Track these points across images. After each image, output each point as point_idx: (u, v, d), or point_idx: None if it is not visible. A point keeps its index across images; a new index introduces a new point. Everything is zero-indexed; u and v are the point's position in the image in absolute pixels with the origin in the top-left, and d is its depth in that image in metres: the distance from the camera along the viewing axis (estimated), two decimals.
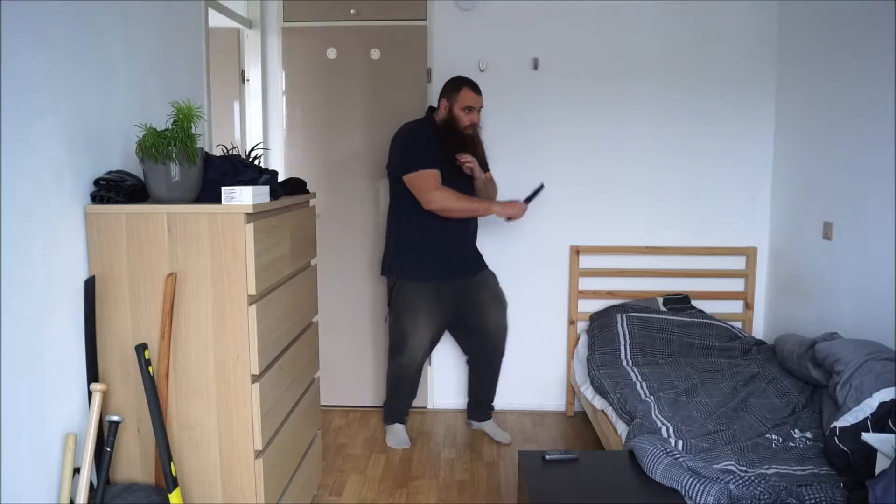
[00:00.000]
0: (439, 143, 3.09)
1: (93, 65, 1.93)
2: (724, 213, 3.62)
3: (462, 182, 3.14)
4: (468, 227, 3.25)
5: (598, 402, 2.96)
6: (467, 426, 3.50)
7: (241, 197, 1.86)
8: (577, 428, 3.54)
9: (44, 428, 1.73)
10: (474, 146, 3.14)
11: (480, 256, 3.34)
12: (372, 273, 3.73)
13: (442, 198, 3.00)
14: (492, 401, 3.47)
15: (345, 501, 2.79)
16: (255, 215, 1.91)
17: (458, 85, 3.11)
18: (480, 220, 3.36)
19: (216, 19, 3.24)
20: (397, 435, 3.34)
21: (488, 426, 3.43)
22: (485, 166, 3.25)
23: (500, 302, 3.32)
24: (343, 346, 3.76)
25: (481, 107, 3.15)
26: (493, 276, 3.35)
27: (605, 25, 3.53)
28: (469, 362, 3.49)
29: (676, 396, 2.67)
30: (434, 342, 3.33)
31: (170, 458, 1.84)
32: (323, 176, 3.68)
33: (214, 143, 2.98)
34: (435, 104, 3.24)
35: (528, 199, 3.14)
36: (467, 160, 3.09)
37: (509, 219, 3.14)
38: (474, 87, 3.11)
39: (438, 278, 3.17)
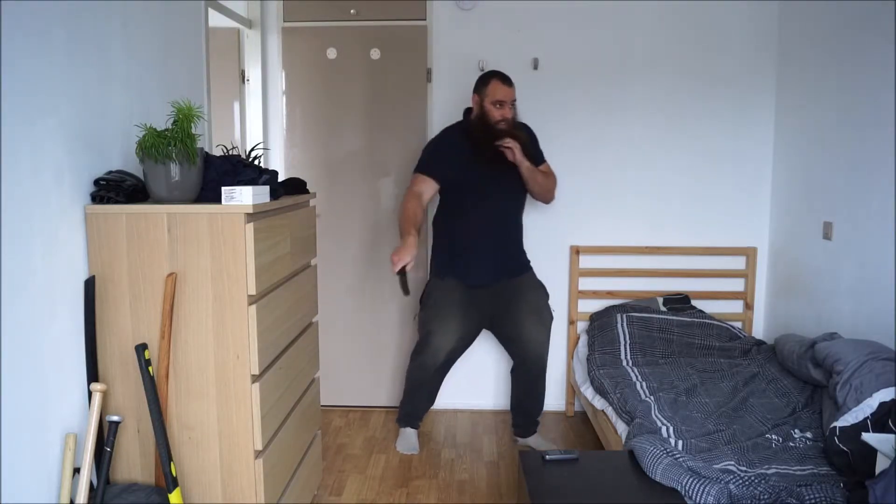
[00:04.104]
0: (471, 143, 3.00)
1: (93, 65, 1.93)
2: (724, 213, 3.62)
3: (508, 175, 3.02)
4: (505, 231, 3.11)
5: (598, 402, 2.96)
6: (513, 442, 3.35)
7: (241, 197, 1.86)
8: (577, 428, 3.54)
9: (44, 428, 1.73)
10: (513, 139, 2.97)
11: (521, 262, 3.20)
12: (372, 273, 3.73)
13: (404, 201, 3.01)
14: (536, 416, 3.28)
15: (345, 501, 2.79)
16: (255, 215, 1.91)
17: (486, 79, 3.01)
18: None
19: (216, 19, 3.24)
20: (408, 440, 3.27)
21: (533, 441, 3.28)
22: (537, 159, 3.14)
23: (538, 314, 3.14)
24: (343, 346, 3.76)
25: (514, 100, 3.02)
26: (537, 286, 3.20)
27: (605, 25, 3.53)
28: (511, 372, 3.33)
29: (676, 396, 2.67)
30: (461, 347, 3.20)
31: (170, 458, 1.84)
32: (323, 176, 3.68)
33: (214, 143, 2.98)
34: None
35: (401, 274, 2.82)
36: (506, 143, 2.93)
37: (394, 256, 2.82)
38: (504, 80, 2.99)
39: (469, 281, 3.08)
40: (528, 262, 3.24)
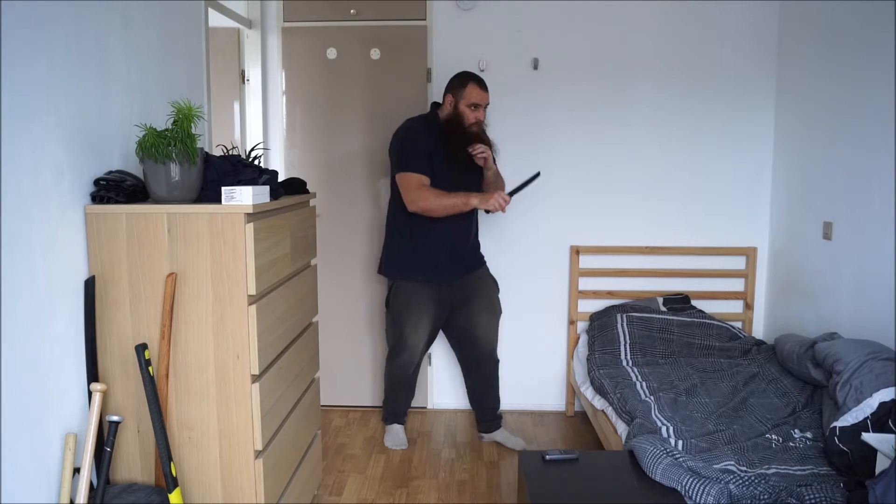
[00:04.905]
0: (442, 141, 3.02)
1: (93, 65, 1.93)
2: (724, 213, 3.62)
3: (471, 176, 3.08)
4: (468, 227, 3.18)
5: (598, 402, 2.95)
6: (479, 440, 3.37)
7: (241, 197, 1.86)
8: (577, 428, 3.54)
9: (44, 428, 1.73)
10: (482, 143, 3.03)
11: (479, 257, 3.29)
12: (372, 273, 3.72)
13: (422, 198, 2.94)
14: (496, 410, 3.35)
15: (345, 501, 2.79)
16: (255, 215, 1.91)
17: (464, 81, 3.03)
18: (480, 219, 3.35)
19: (216, 19, 3.24)
20: (395, 436, 3.32)
21: (499, 435, 3.33)
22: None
23: (492, 310, 3.25)
24: (343, 346, 3.76)
25: (487, 104, 3.07)
26: (492, 282, 3.29)
27: (605, 25, 3.53)
28: (463, 371, 3.39)
29: (676, 396, 2.67)
30: (431, 342, 3.30)
31: (170, 458, 1.84)
32: (323, 176, 3.68)
33: (214, 143, 2.98)
34: (438, 101, 3.22)
35: (515, 191, 2.96)
36: (480, 150, 3.00)
37: (489, 211, 2.99)
38: (480, 84, 3.03)
39: (436, 279, 3.12)
40: (483, 256, 3.31)
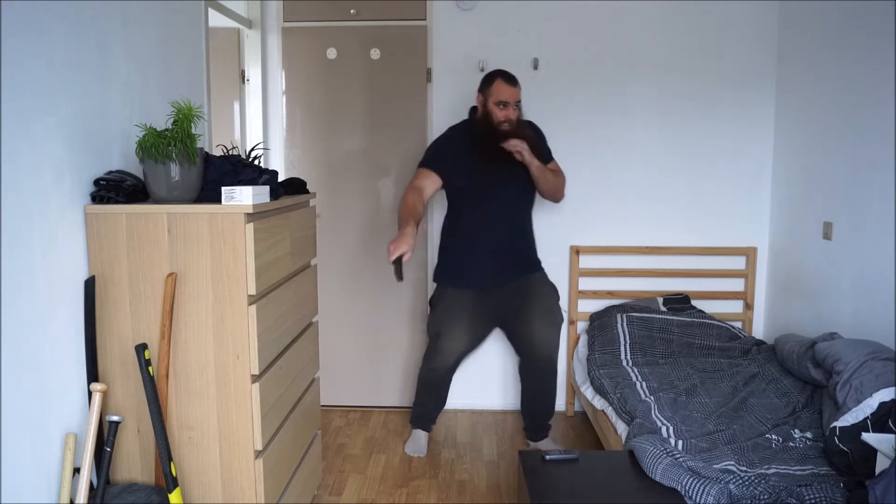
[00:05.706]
0: (479, 144, 2.95)
1: (93, 65, 1.93)
2: (724, 213, 3.62)
3: (517, 174, 2.98)
4: (511, 232, 3.07)
5: (598, 402, 2.95)
6: (526, 446, 3.31)
7: (241, 197, 1.86)
8: (577, 428, 3.54)
9: (44, 428, 1.73)
10: (519, 140, 2.91)
11: (529, 261, 3.15)
12: (371, 273, 3.73)
13: (403, 194, 2.96)
14: (545, 420, 3.25)
15: (345, 501, 2.79)
16: (255, 215, 1.91)
17: (490, 78, 2.95)
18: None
19: (216, 19, 3.24)
20: (416, 442, 3.25)
21: (543, 445, 3.25)
22: (545, 157, 3.08)
23: (549, 316, 3.10)
24: (343, 346, 3.76)
25: (518, 100, 2.95)
26: (549, 288, 3.16)
27: (605, 25, 3.53)
28: (520, 373, 3.28)
29: (676, 396, 2.67)
30: (471, 348, 3.19)
31: (170, 458, 1.84)
32: (323, 176, 3.68)
33: (214, 143, 2.98)
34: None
35: (398, 266, 2.74)
36: (514, 145, 2.87)
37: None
38: (509, 79, 2.93)
39: (478, 285, 3.04)
40: (539, 262, 3.19)
